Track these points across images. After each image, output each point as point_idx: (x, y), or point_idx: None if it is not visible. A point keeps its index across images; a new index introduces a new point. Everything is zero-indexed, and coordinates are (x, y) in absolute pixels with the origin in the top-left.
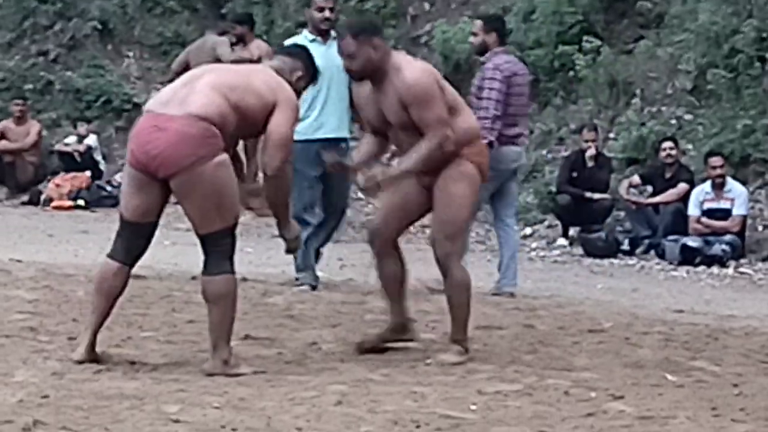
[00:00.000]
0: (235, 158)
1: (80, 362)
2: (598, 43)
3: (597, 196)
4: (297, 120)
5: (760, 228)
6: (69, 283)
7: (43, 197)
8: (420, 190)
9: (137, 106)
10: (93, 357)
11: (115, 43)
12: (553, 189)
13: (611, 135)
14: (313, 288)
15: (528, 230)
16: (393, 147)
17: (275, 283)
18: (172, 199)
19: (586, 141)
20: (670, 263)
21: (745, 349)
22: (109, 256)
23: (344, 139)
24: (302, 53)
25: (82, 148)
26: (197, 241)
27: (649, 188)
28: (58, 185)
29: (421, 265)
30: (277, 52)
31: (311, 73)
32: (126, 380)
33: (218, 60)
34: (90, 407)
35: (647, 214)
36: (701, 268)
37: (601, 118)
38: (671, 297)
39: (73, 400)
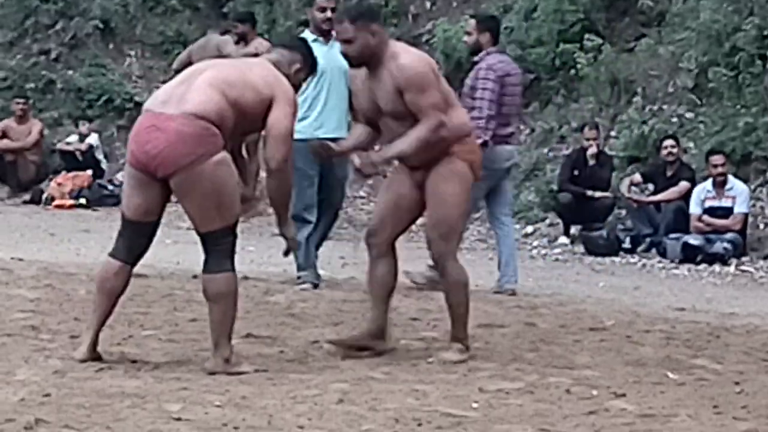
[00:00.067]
0: (238, 157)
1: (82, 361)
2: (600, 41)
3: (598, 194)
4: (296, 113)
5: (761, 226)
6: (70, 282)
7: (44, 196)
8: (413, 187)
9: (139, 105)
10: (95, 356)
11: (116, 42)
12: (555, 187)
13: (612, 133)
14: (315, 286)
15: (529, 228)
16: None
17: (277, 281)
18: (173, 198)
19: (588, 139)
20: (672, 261)
21: (747, 347)
22: (111, 255)
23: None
24: (300, 46)
25: (83, 147)
26: (198, 240)
27: (651, 186)
28: (59, 184)
29: (421, 263)
30: (275, 45)
31: (310, 65)
32: (127, 379)
33: None
34: (92, 406)
35: (649, 213)
36: (703, 266)
37: (602, 117)
38: (673, 295)
39: (74, 398)
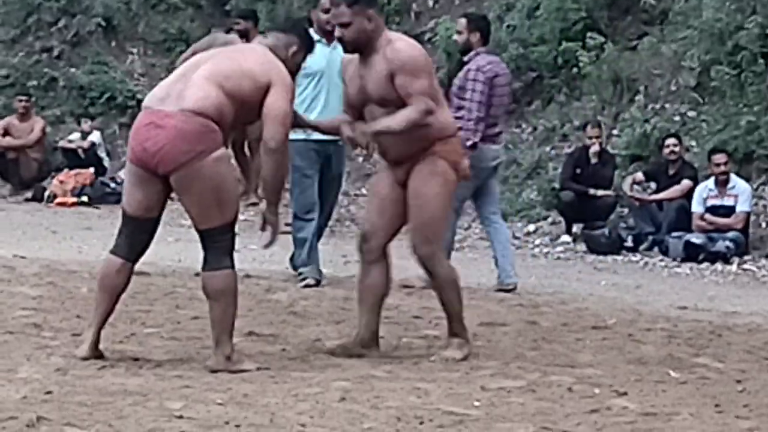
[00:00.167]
0: (240, 155)
1: (84, 359)
2: (602, 39)
3: (600, 192)
4: (293, 98)
5: (763, 225)
6: (73, 280)
7: (46, 194)
8: (395, 186)
9: (141, 103)
10: (97, 353)
11: (119, 40)
12: (557, 186)
13: (615, 132)
14: (318, 283)
15: (531, 227)
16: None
17: (279, 279)
18: (174, 195)
19: (590, 138)
20: (674, 260)
21: (749, 345)
22: (112, 252)
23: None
24: (295, 27)
25: (85, 144)
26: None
27: (653, 185)
28: (61, 182)
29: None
30: (269, 30)
31: (307, 46)
32: (129, 376)
33: None
34: (93, 403)
35: (651, 211)
36: (705, 264)
37: (604, 115)
38: (675, 294)
39: (76, 396)
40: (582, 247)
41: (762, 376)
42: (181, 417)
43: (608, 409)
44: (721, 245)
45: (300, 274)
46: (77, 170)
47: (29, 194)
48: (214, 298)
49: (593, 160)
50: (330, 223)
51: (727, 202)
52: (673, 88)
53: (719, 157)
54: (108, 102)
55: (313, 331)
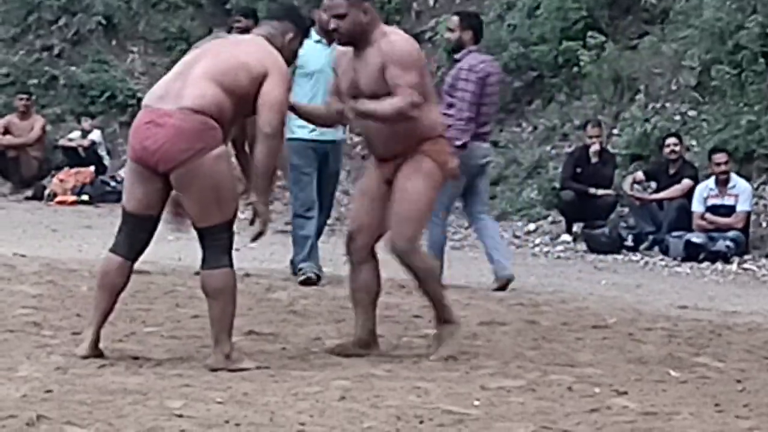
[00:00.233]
0: (241, 153)
1: (84, 357)
2: (603, 39)
3: (601, 192)
4: (289, 87)
5: (764, 224)
6: (73, 278)
7: (47, 192)
8: (382, 183)
9: (141, 102)
10: (97, 352)
11: (119, 39)
12: (557, 185)
13: (615, 131)
14: (317, 277)
15: (532, 226)
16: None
17: (279, 278)
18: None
19: (590, 137)
20: (674, 259)
21: (749, 345)
22: (111, 250)
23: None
24: (289, 13)
25: (86, 143)
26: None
27: (653, 184)
28: (62, 180)
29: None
30: (263, 19)
31: (303, 30)
32: (129, 375)
33: None
34: (93, 402)
35: (651, 210)
36: (705, 264)
37: (605, 114)
38: (675, 293)
39: (76, 394)
40: (582, 246)
41: (762, 375)
42: (180, 416)
43: (608, 408)
44: (721, 245)
45: (300, 269)
46: (77, 169)
47: (29, 193)
48: (213, 297)
49: (594, 160)
50: (330, 221)
51: (728, 201)
52: (674, 87)
53: (719, 157)
54: (108, 101)
55: (313, 330)
